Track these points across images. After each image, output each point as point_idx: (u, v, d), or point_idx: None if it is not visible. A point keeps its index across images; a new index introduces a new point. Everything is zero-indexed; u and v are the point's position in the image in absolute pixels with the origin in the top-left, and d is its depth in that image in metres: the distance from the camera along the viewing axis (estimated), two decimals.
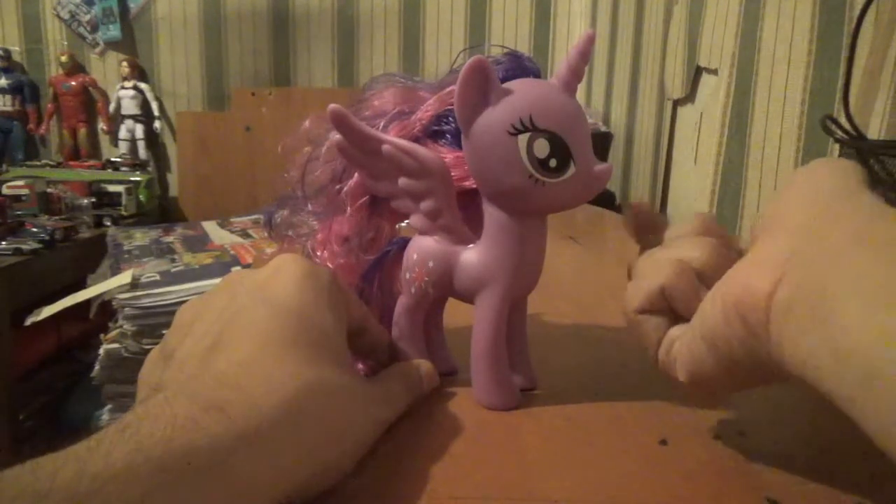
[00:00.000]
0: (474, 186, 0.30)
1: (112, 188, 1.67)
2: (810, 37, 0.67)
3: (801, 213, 0.22)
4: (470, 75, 0.27)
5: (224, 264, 0.92)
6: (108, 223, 1.56)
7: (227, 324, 0.24)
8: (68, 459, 0.17)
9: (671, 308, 0.27)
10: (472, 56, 0.27)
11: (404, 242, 0.33)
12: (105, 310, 0.83)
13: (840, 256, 0.19)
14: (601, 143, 1.38)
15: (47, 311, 0.92)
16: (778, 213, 0.23)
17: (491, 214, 0.30)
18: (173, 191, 2.04)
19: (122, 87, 1.94)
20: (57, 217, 1.49)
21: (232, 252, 1.00)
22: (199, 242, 1.07)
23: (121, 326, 0.78)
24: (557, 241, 0.73)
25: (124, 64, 1.94)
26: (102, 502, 0.16)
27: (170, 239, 1.09)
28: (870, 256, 0.19)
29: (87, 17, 1.97)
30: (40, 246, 1.27)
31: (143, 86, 1.96)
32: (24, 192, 1.47)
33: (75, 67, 1.97)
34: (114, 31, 1.95)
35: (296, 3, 1.91)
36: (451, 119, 0.31)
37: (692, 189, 0.96)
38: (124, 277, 0.84)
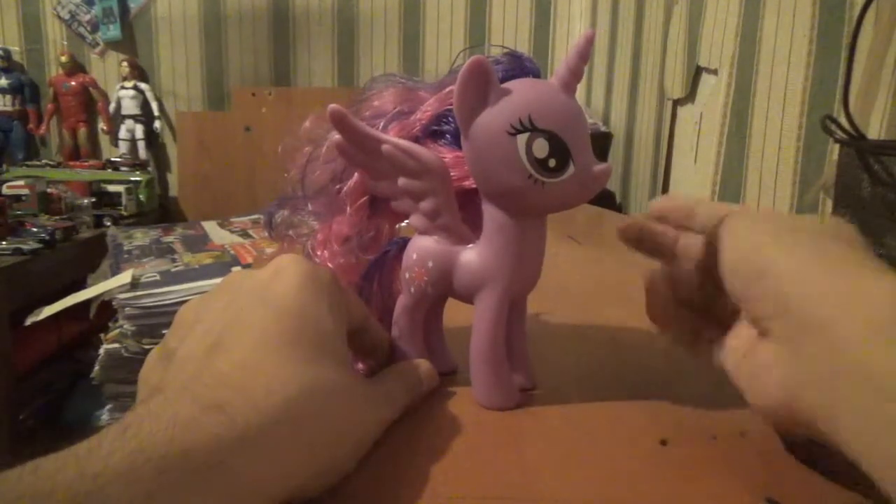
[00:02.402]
0: (474, 186, 0.30)
1: (112, 188, 1.67)
2: (810, 37, 0.67)
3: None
4: (469, 75, 0.27)
5: (224, 264, 0.92)
6: (108, 223, 1.56)
7: (228, 324, 0.24)
8: (69, 460, 0.17)
9: None
10: (471, 56, 0.27)
11: (404, 242, 0.33)
12: (105, 310, 0.83)
13: None
14: (601, 143, 1.38)
15: (47, 311, 0.92)
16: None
17: (490, 214, 0.30)
18: (173, 191, 2.04)
19: (122, 87, 1.94)
20: (57, 217, 1.48)
21: (232, 252, 0.99)
22: (199, 242, 1.07)
23: (121, 326, 0.78)
24: (557, 241, 0.73)
25: (124, 64, 1.94)
26: (104, 502, 0.16)
27: (170, 239, 1.09)
28: None
29: (87, 17, 1.97)
30: (40, 246, 1.27)
31: (143, 86, 1.96)
32: (24, 192, 1.47)
33: (75, 67, 1.97)
34: (114, 31, 1.95)
35: (296, 3, 1.91)
36: (450, 119, 0.31)
37: (692, 189, 0.96)
38: (124, 277, 0.84)
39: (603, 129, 1.42)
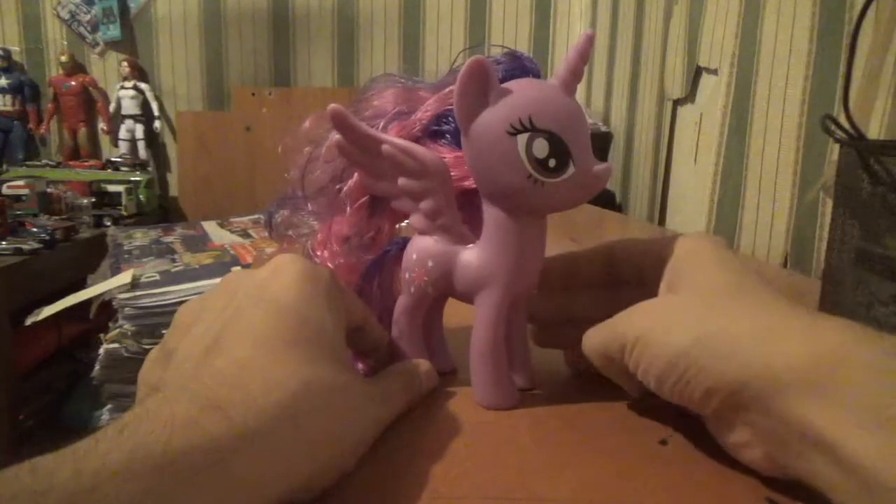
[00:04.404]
0: (474, 186, 0.30)
1: (112, 188, 1.67)
2: (810, 37, 0.67)
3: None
4: (469, 75, 0.27)
5: (224, 264, 0.92)
6: (108, 223, 1.55)
7: (227, 323, 0.24)
8: (66, 459, 0.17)
9: None
10: (471, 56, 0.27)
11: (404, 242, 0.33)
12: (105, 310, 0.83)
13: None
14: (601, 143, 1.38)
15: (47, 311, 0.91)
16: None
17: (490, 214, 0.30)
18: (173, 191, 2.03)
19: (122, 87, 1.94)
20: (57, 217, 1.48)
21: (232, 252, 0.99)
22: (199, 242, 1.07)
23: (121, 326, 0.78)
24: (557, 241, 0.72)
25: (124, 64, 1.93)
26: (100, 501, 0.16)
27: (170, 239, 1.09)
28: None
29: (87, 17, 1.97)
30: (40, 246, 1.27)
31: (143, 86, 1.95)
32: (24, 192, 1.46)
33: (75, 67, 1.96)
34: (114, 31, 1.95)
35: (296, 3, 1.91)
36: (450, 119, 0.31)
37: (692, 189, 0.96)
38: (124, 277, 0.83)
39: (603, 129, 1.42)
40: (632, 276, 0.32)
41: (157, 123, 1.97)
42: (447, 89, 0.31)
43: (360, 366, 0.33)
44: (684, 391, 0.24)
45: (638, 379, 0.26)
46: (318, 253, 0.34)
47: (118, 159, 1.86)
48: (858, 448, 0.19)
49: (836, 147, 0.42)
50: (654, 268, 0.29)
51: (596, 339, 0.29)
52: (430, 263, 0.31)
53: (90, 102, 2.00)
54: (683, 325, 0.24)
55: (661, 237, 0.31)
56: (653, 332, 0.25)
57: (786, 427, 0.21)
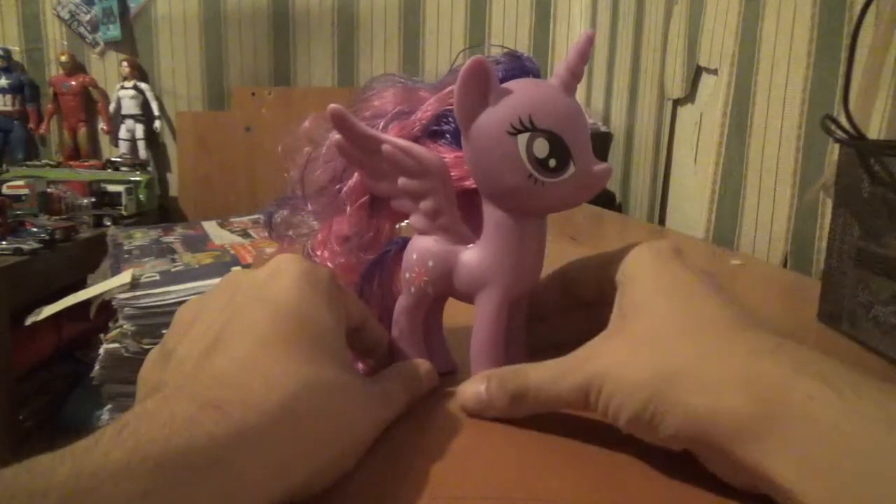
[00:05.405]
0: (474, 186, 0.30)
1: (112, 188, 1.67)
2: (810, 37, 0.67)
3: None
4: (469, 75, 0.27)
5: (224, 264, 0.92)
6: (108, 223, 1.56)
7: (226, 323, 0.24)
8: (66, 458, 0.17)
9: None
10: (471, 56, 0.27)
11: (404, 242, 0.33)
12: (105, 310, 0.83)
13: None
14: (601, 143, 1.38)
15: (47, 311, 0.91)
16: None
17: (490, 214, 0.30)
18: (173, 191, 2.04)
19: (122, 87, 1.94)
20: (57, 217, 1.49)
21: (232, 252, 0.99)
22: (199, 242, 1.07)
23: (121, 326, 0.78)
24: (557, 241, 0.72)
25: (124, 64, 1.93)
26: (99, 501, 0.16)
27: (170, 239, 1.09)
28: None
29: (87, 17, 1.97)
30: (40, 246, 1.27)
31: (143, 86, 1.96)
32: (24, 192, 1.47)
33: (75, 67, 1.96)
34: (114, 31, 1.95)
35: (296, 3, 1.91)
36: (450, 119, 0.31)
37: (692, 189, 0.96)
38: (124, 277, 0.83)
39: (603, 129, 1.42)
40: (593, 296, 0.31)
41: (157, 123, 1.97)
42: (447, 89, 0.31)
43: (360, 366, 0.33)
44: (647, 436, 0.24)
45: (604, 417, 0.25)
46: (318, 253, 0.34)
47: (118, 159, 1.86)
48: (808, 495, 0.19)
49: (836, 147, 0.42)
50: (612, 287, 0.28)
51: (545, 378, 0.27)
52: (430, 263, 0.31)
53: (90, 102, 2.00)
54: (637, 369, 0.24)
55: (612, 253, 0.30)
56: (608, 376, 0.24)
57: (747, 472, 0.21)
